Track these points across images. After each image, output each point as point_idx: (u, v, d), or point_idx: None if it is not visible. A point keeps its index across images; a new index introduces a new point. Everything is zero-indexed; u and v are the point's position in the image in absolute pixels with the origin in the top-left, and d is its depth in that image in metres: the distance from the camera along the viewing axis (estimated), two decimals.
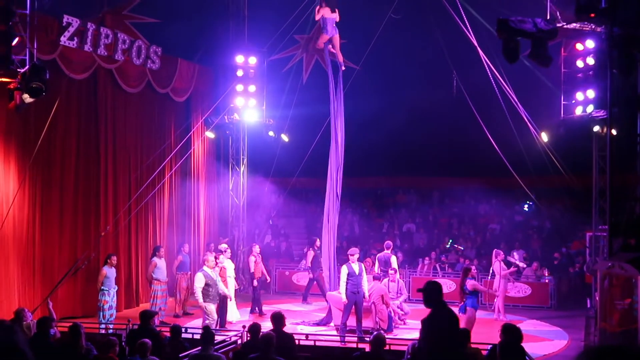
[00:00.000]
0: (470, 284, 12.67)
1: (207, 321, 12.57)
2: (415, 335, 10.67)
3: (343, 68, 15.85)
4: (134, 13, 16.33)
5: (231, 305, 14.98)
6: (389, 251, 15.99)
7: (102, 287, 13.56)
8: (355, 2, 18.62)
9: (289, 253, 22.11)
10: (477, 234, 22.87)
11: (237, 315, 15.23)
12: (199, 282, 12.88)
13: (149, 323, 9.46)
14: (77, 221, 15.58)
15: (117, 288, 14.03)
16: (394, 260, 15.70)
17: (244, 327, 10.44)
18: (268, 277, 17.35)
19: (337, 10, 15.56)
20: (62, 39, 14.08)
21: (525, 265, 17.72)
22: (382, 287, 14.18)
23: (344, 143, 15.43)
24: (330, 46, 15.87)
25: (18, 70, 11.48)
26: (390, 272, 15.36)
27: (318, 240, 16.95)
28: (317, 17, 15.63)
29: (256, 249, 16.85)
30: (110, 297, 13.60)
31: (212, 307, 12.97)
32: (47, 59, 13.51)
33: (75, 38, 14.37)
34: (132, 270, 17.09)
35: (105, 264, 13.82)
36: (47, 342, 8.51)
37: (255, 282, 16.20)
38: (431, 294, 6.87)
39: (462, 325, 11.74)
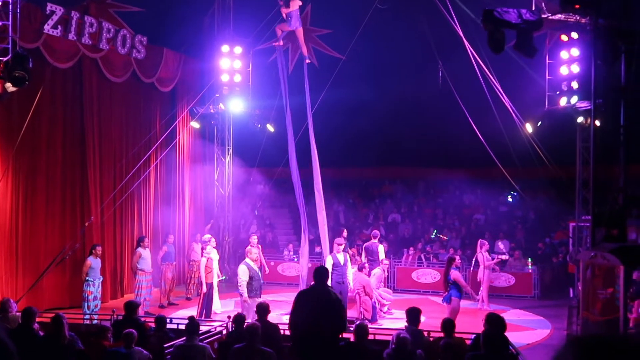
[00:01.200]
0: (453, 274, 12.73)
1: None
2: (400, 324, 10.72)
3: (307, 61, 15.70)
4: (118, 2, 16.20)
5: (215, 296, 14.97)
6: (376, 240, 16.03)
7: (87, 278, 13.51)
8: None
9: (274, 243, 22.11)
10: (461, 224, 22.99)
11: (219, 306, 15.22)
12: (244, 274, 12.52)
13: (134, 313, 9.44)
14: (65, 211, 15.53)
15: (102, 279, 13.99)
16: (381, 250, 15.75)
17: (229, 317, 10.44)
18: (267, 268, 17.43)
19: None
20: (46, 27, 13.95)
21: (507, 257, 17.88)
22: (365, 277, 14.22)
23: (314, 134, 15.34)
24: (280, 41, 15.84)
25: (0, 59, 11.38)
26: (385, 261, 15.52)
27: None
28: (285, 12, 15.51)
29: (254, 239, 16.91)
30: (95, 287, 13.56)
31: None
32: (30, 47, 13.37)
33: (59, 26, 14.25)
34: (117, 261, 17.03)
35: (90, 255, 13.77)
36: (32, 333, 8.47)
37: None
38: (315, 274, 7.92)
39: (446, 314, 11.85)
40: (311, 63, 16.51)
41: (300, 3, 15.47)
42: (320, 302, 7.74)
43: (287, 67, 15.83)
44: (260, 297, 12.61)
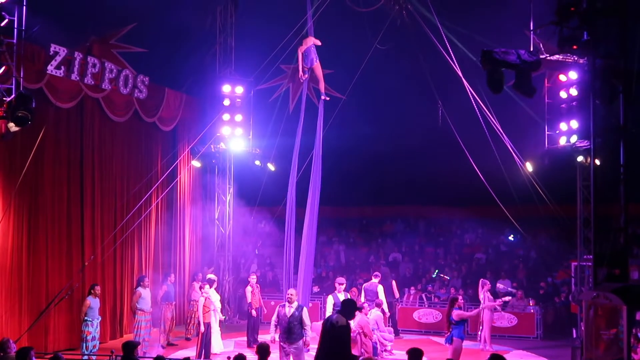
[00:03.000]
0: (456, 313, 12.63)
1: None
2: None
3: (324, 97, 15.53)
4: (121, 42, 16.38)
5: (215, 336, 14.84)
6: (376, 281, 15.94)
7: (86, 318, 13.42)
8: (342, 32, 18.80)
9: (275, 282, 21.97)
10: (463, 264, 22.86)
11: (221, 346, 15.09)
12: (274, 316, 12.38)
13: (132, 354, 9.34)
14: (71, 249, 15.49)
15: (100, 319, 13.88)
16: (380, 290, 15.64)
17: (228, 358, 10.33)
18: (264, 309, 17.19)
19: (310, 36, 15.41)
20: (49, 67, 14.09)
21: (510, 299, 17.71)
22: (364, 318, 14.10)
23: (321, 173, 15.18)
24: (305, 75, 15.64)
25: (4, 99, 11.47)
26: (382, 300, 15.36)
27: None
28: (301, 51, 15.50)
29: (253, 279, 16.83)
30: (93, 327, 13.46)
31: None
32: (33, 87, 13.50)
33: (62, 67, 14.39)
34: (117, 300, 16.91)
35: (89, 294, 13.69)
36: None
37: (253, 312, 16.22)
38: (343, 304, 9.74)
39: (449, 355, 11.74)
40: (310, 103, 16.44)
41: (318, 42, 15.37)
42: (327, 328, 9.23)
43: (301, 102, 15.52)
44: (287, 342, 12.03)
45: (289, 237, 14.42)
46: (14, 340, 10.74)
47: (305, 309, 12.37)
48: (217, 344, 14.96)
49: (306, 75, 15.36)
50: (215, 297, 14.85)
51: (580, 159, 15.05)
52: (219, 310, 15.07)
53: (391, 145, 23.54)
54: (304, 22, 15.83)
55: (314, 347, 14.30)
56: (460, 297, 13.68)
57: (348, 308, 9.45)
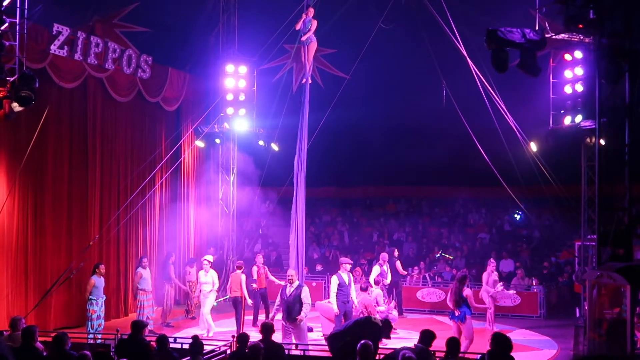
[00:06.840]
0: (466, 292, 12.59)
1: None
2: (406, 344, 10.64)
3: (304, 81, 15.45)
4: (124, 22, 16.31)
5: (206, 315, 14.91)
6: (381, 261, 16.10)
7: (90, 297, 13.49)
8: (346, 12, 18.69)
9: (278, 262, 22.04)
10: (466, 244, 22.88)
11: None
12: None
13: (140, 333, 9.32)
14: (73, 229, 15.53)
15: (105, 297, 13.95)
16: (373, 271, 15.81)
17: (233, 336, 10.40)
18: (277, 282, 17.06)
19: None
20: (52, 47, 14.05)
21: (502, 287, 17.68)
22: (367, 297, 14.15)
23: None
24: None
25: (7, 79, 11.44)
26: (386, 281, 15.45)
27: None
28: (298, 26, 15.49)
29: (259, 259, 16.85)
30: (98, 306, 13.54)
31: None
32: (36, 67, 13.46)
33: (65, 47, 14.35)
34: (121, 280, 16.99)
35: (93, 274, 13.75)
36: (34, 352, 8.47)
37: (247, 290, 16.22)
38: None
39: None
40: (314, 82, 16.37)
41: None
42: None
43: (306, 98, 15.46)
44: (288, 321, 12.22)
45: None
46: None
47: (305, 288, 12.49)
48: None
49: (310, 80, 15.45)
50: (213, 277, 15.02)
51: (585, 139, 15.00)
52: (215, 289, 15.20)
53: (394, 125, 23.50)
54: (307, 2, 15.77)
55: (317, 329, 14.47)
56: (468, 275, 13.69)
57: (386, 328, 10.86)
